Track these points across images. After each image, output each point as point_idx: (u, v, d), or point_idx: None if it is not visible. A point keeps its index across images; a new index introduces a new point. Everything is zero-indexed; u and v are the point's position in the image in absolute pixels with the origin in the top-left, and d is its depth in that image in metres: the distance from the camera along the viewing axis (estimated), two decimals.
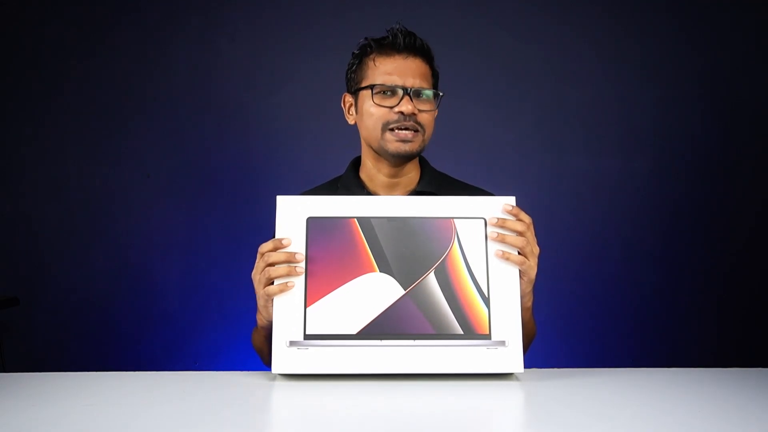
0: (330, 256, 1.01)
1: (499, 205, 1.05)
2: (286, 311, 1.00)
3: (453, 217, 1.03)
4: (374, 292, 1.00)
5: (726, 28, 2.53)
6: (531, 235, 1.05)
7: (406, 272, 1.01)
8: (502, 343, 1.00)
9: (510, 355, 0.99)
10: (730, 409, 0.89)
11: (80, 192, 2.59)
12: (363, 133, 1.27)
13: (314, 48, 2.55)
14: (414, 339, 0.99)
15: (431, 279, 1.01)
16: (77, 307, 2.57)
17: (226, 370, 1.06)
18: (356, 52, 1.27)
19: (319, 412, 0.87)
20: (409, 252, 1.02)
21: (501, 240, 1.03)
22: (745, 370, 1.09)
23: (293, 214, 1.03)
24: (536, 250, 1.05)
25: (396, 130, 1.20)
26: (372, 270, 1.01)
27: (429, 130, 1.24)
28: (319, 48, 2.55)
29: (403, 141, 1.21)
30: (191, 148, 2.60)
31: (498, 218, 1.03)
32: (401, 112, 1.19)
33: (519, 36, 2.58)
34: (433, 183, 1.30)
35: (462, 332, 1.00)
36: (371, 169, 1.29)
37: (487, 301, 1.01)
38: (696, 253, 2.55)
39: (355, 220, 1.02)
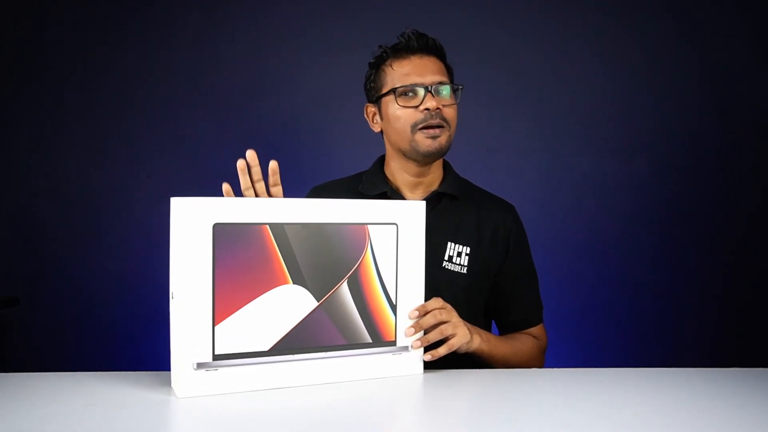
0: (240, 267, 0.92)
1: (411, 212, 1.05)
2: (190, 330, 0.90)
3: (367, 223, 1.01)
4: (287, 305, 0.95)
5: (726, 28, 2.53)
6: (447, 314, 1.08)
7: (320, 282, 0.98)
8: (406, 348, 1.04)
9: (411, 359, 1.05)
10: (729, 409, 0.89)
11: (80, 192, 2.59)
12: (392, 137, 1.28)
13: (315, 48, 2.55)
14: (326, 351, 0.98)
15: (344, 288, 1.00)
16: (77, 307, 2.57)
17: None
18: (372, 61, 1.30)
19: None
20: (323, 261, 0.98)
21: (426, 341, 1.06)
22: (744, 370, 1.09)
23: (195, 219, 0.90)
24: (454, 319, 1.09)
25: (425, 129, 1.22)
26: (285, 282, 0.95)
27: (454, 125, 1.26)
28: (319, 48, 2.55)
29: (433, 138, 1.22)
30: (191, 148, 2.60)
31: (412, 327, 1.05)
32: (427, 109, 1.21)
33: (519, 36, 2.57)
34: (455, 186, 1.31)
35: (371, 341, 1.02)
36: (395, 168, 1.31)
37: (394, 308, 1.04)
38: (695, 253, 2.55)
39: (267, 227, 0.94)
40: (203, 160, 2.59)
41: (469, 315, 1.26)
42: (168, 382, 0.95)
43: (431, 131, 1.22)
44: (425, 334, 1.07)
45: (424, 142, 1.22)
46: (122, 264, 2.57)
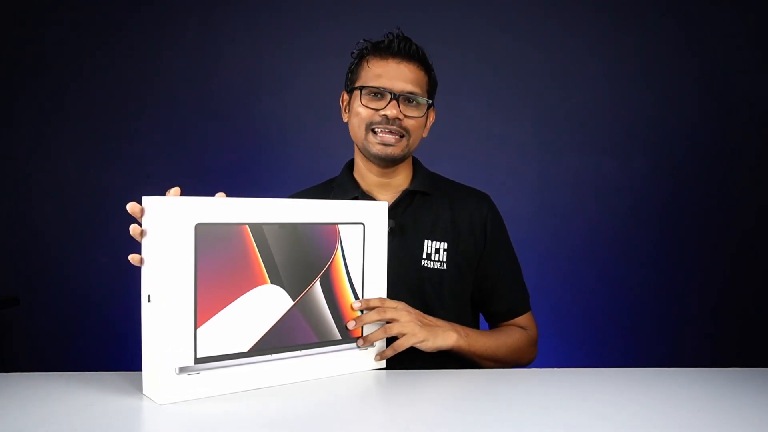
0: (221, 268, 0.91)
1: (375, 212, 1.07)
2: (172, 334, 0.87)
3: (338, 223, 1.03)
4: (265, 305, 0.96)
5: (725, 28, 2.53)
6: (395, 313, 1.07)
7: (295, 282, 0.98)
8: (372, 344, 1.07)
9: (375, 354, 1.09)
10: (728, 409, 0.89)
11: (80, 192, 2.59)
12: (351, 131, 1.29)
13: (314, 48, 2.55)
14: (300, 350, 0.99)
15: (317, 287, 1.01)
16: (77, 307, 2.57)
17: None
18: (354, 52, 1.30)
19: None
20: (298, 260, 0.99)
21: (370, 340, 1.06)
22: (743, 370, 1.09)
23: (177, 219, 0.87)
24: (404, 318, 1.07)
25: (379, 133, 1.22)
26: (264, 282, 0.95)
27: (415, 136, 1.25)
28: (319, 48, 2.55)
29: (385, 144, 1.22)
30: (191, 148, 2.60)
31: (355, 322, 1.05)
32: (385, 116, 1.21)
33: (519, 36, 2.58)
34: (425, 183, 1.31)
35: (340, 338, 1.04)
36: (362, 170, 1.31)
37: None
38: (694, 253, 2.55)
39: (247, 227, 0.93)
40: (203, 160, 2.59)
41: (455, 310, 1.26)
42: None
43: (385, 137, 1.21)
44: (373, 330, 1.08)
45: (375, 146, 1.22)
46: (122, 264, 2.56)
